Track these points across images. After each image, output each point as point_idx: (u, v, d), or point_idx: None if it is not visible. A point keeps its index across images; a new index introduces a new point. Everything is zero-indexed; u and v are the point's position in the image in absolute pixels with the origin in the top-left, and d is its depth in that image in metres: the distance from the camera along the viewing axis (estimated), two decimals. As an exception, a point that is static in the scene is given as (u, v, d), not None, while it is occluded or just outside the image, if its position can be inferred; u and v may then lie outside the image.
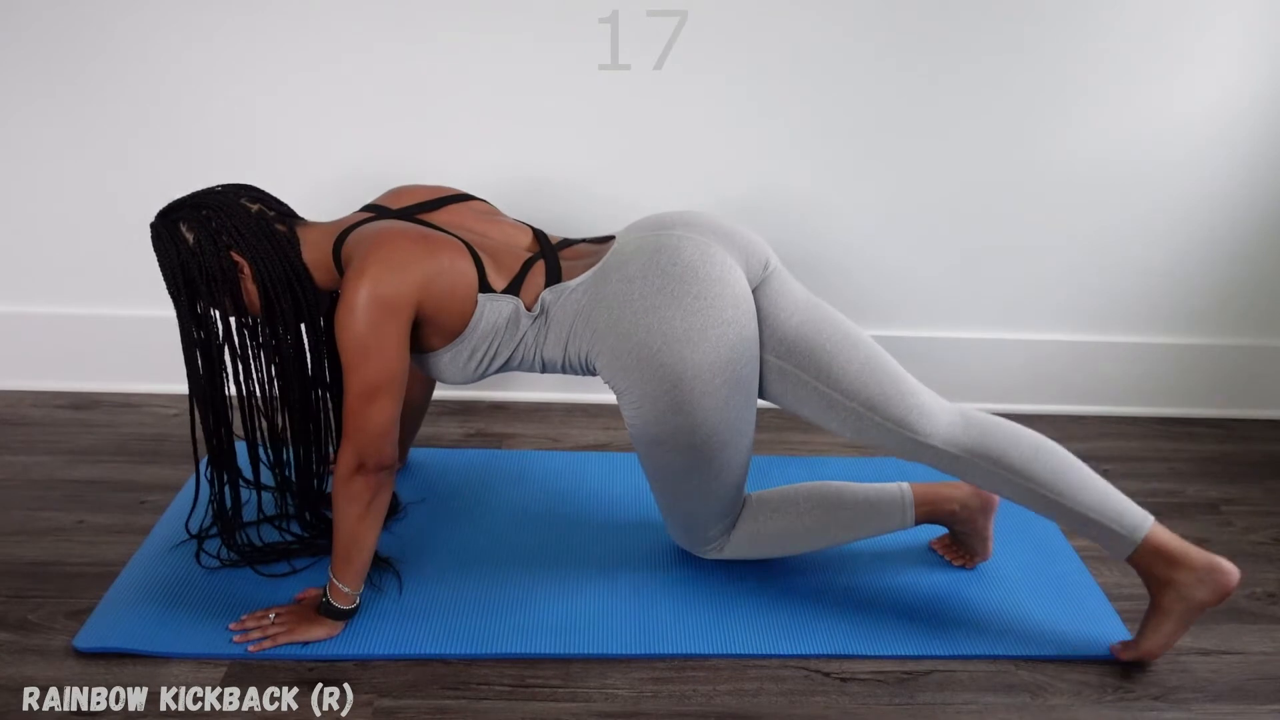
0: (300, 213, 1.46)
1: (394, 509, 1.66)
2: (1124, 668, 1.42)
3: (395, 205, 1.44)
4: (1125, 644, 1.43)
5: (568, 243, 1.46)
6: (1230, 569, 1.35)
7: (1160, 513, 1.79)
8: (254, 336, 1.42)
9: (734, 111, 1.86)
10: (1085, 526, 1.38)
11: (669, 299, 1.31)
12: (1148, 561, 1.36)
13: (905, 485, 1.53)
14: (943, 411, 1.41)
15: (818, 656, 1.42)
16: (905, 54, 1.82)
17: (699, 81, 1.82)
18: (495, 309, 1.35)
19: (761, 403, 1.45)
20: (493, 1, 1.75)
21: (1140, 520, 1.37)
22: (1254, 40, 1.82)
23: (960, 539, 1.58)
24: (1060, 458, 1.39)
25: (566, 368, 1.42)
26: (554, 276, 1.38)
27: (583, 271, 1.38)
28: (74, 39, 1.76)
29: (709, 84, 1.82)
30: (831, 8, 1.77)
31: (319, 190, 1.83)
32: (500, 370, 1.42)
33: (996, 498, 1.52)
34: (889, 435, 1.39)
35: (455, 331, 1.35)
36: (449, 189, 1.49)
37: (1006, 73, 1.83)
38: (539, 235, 1.46)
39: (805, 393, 1.40)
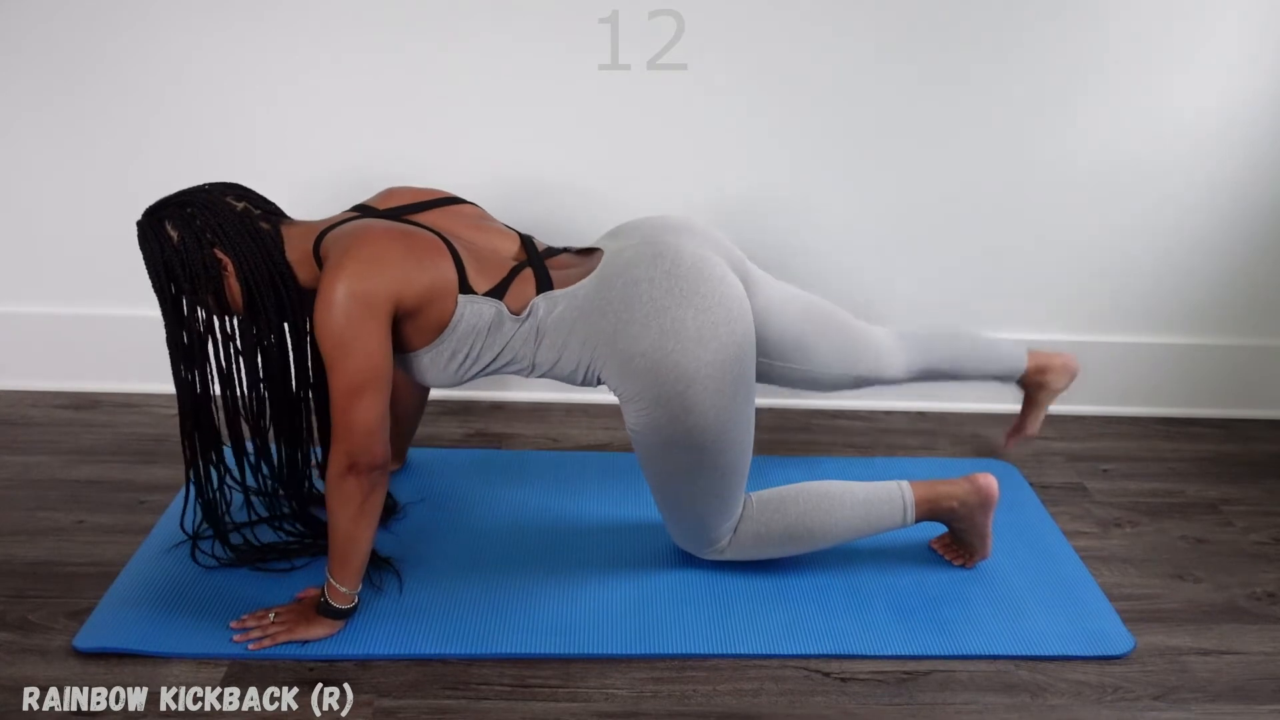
0: (298, 214, 1.46)
1: (393, 509, 1.66)
2: (1124, 668, 1.42)
3: (383, 206, 1.43)
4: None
5: (552, 251, 1.46)
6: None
7: (1160, 512, 1.81)
8: (238, 335, 1.41)
9: (736, 113, 1.85)
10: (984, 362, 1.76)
11: (679, 299, 1.32)
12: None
13: (904, 483, 1.54)
14: (893, 351, 1.66)
15: (818, 656, 1.42)
16: (905, 56, 1.81)
17: (700, 82, 1.82)
18: (476, 311, 1.34)
19: (761, 402, 1.45)
20: (492, 1, 1.75)
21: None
22: (1254, 41, 1.82)
23: (959, 536, 1.59)
24: (960, 337, 1.76)
25: (560, 374, 1.42)
26: (544, 284, 1.38)
27: (574, 281, 1.38)
28: (74, 41, 1.76)
29: (710, 85, 1.82)
30: (829, 11, 1.77)
31: (319, 190, 1.83)
32: (485, 374, 1.41)
33: (995, 494, 1.52)
34: (861, 383, 1.65)
35: (435, 332, 1.34)
36: (440, 192, 1.48)
37: (1004, 74, 1.83)
38: (526, 243, 1.46)
39: (790, 377, 1.59)
